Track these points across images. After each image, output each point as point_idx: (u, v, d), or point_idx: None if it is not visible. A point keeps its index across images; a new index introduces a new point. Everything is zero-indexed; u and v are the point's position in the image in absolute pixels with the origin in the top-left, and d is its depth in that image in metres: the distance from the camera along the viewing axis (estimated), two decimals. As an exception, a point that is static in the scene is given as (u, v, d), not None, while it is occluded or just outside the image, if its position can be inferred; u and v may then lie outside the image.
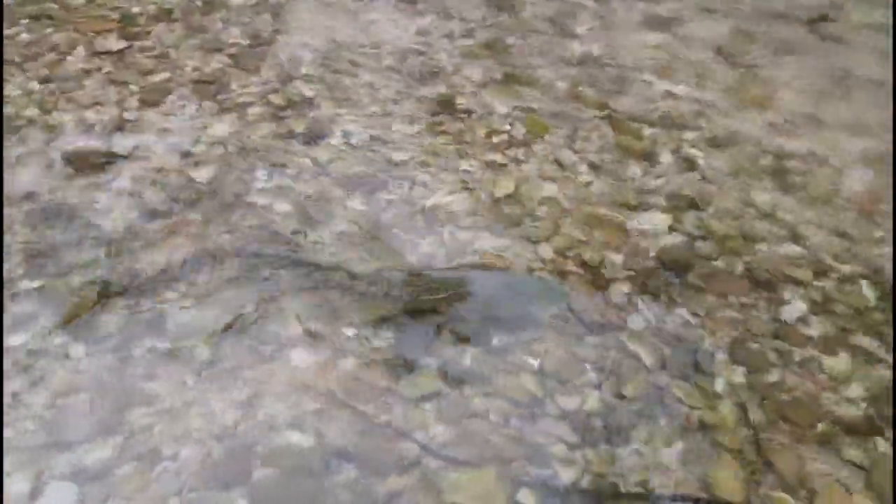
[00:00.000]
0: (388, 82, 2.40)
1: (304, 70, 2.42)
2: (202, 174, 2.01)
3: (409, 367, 1.56)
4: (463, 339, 1.61)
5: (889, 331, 1.60)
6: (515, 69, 2.50)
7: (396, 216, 1.93)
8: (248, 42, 2.55)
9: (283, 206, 1.89)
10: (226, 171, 2.01)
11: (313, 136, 2.14)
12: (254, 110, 2.22)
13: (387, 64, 2.50)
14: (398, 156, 2.11)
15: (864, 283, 1.71)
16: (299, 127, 2.17)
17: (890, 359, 1.54)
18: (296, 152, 2.07)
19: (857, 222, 1.85)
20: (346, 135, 2.16)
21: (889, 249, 1.79)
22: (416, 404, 1.50)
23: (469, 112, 2.29)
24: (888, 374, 1.52)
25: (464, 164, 2.11)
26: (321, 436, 1.42)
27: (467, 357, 1.58)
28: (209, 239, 1.80)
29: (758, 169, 2.05)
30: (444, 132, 2.23)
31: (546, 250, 1.85)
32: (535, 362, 1.58)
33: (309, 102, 2.28)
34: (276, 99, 2.27)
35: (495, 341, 1.63)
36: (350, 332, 1.62)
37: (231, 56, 2.47)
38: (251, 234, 1.82)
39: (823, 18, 2.68)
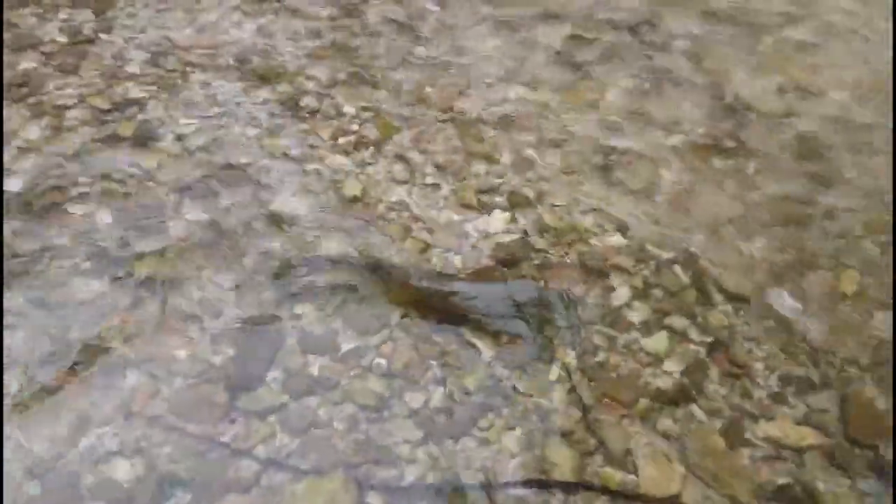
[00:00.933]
0: (228, 83, 2.30)
1: (131, 70, 2.26)
2: (11, 185, 1.82)
3: (251, 380, 1.51)
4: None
5: (700, 309, 1.78)
6: (363, 70, 2.50)
7: (237, 222, 1.86)
8: (66, 40, 2.33)
9: (105, 217, 1.75)
10: (40, 179, 1.83)
11: (142, 141, 2.01)
12: (73, 114, 2.04)
13: (226, 63, 2.39)
14: (239, 159, 2.04)
15: (677, 267, 1.88)
16: (126, 131, 2.02)
17: (698, 336, 1.71)
18: (121, 158, 1.93)
19: (671, 211, 2.03)
20: (179, 138, 2.04)
21: (700, 236, 1.98)
22: (259, 418, 1.45)
23: (315, 113, 2.26)
24: (699, 348, 1.68)
25: (309, 166, 2.08)
26: (152, 463, 1.34)
27: (315, 367, 1.56)
28: (18, 255, 1.64)
29: (588, 166, 2.19)
30: (288, 133, 2.18)
31: (392, 253, 1.86)
32: (383, 363, 1.59)
33: (138, 104, 2.13)
34: (99, 101, 2.10)
35: (344, 347, 1.62)
36: (187, 349, 1.54)
37: (46, 55, 2.25)
38: (70, 249, 1.67)
39: (644, 25, 2.92)
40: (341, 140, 2.17)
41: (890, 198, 2.09)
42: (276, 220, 1.87)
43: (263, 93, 2.29)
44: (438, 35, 2.75)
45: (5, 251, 1.66)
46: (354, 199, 1.98)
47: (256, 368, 1.53)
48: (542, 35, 2.81)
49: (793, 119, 2.43)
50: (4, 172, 1.85)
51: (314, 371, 1.55)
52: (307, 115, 2.24)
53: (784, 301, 1.78)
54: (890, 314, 1.73)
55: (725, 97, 2.55)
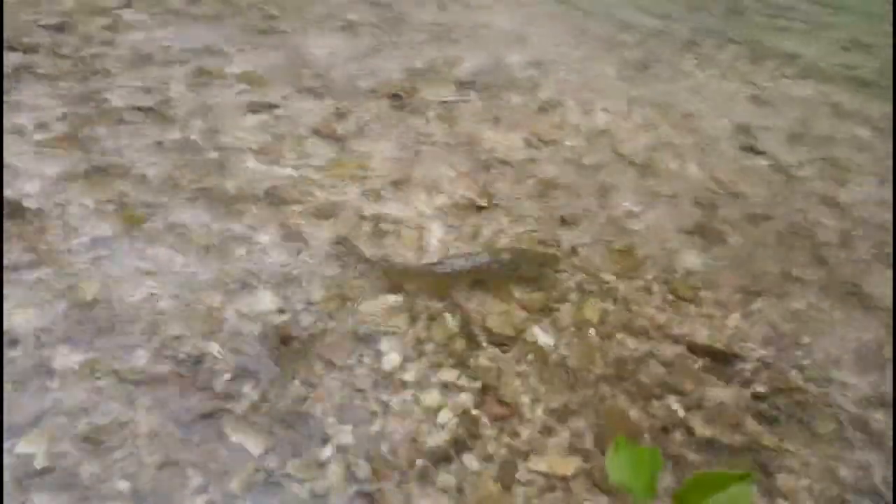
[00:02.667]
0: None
1: None
2: None
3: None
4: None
5: (471, 358, 1.83)
6: (103, 161, 2.31)
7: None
8: None
9: None
10: None
11: None
12: None
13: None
14: (-60, 277, 1.74)
15: (447, 316, 1.93)
16: None
17: (468, 383, 1.75)
18: None
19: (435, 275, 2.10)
20: None
21: (462, 294, 2.07)
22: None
23: (42, 213, 2.02)
24: (470, 395, 1.72)
25: (37, 273, 1.84)
26: None
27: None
28: None
29: (358, 235, 2.20)
30: (9, 240, 1.92)
31: (142, 354, 1.69)
32: (125, 485, 1.40)
33: None
34: None
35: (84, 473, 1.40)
36: None
37: None
38: None
39: (402, 94, 3.10)
40: (75, 240, 1.96)
41: (620, 224, 2.37)
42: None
43: (-25, 198, 2.02)
44: (192, 118, 2.66)
45: None
46: (93, 302, 1.78)
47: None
48: (302, 110, 2.85)
49: (536, 167, 2.69)
50: None
51: (39, 510, 1.32)
52: (33, 217, 2.00)
53: (541, 335, 1.90)
54: (629, 334, 1.92)
55: (478, 156, 2.75)
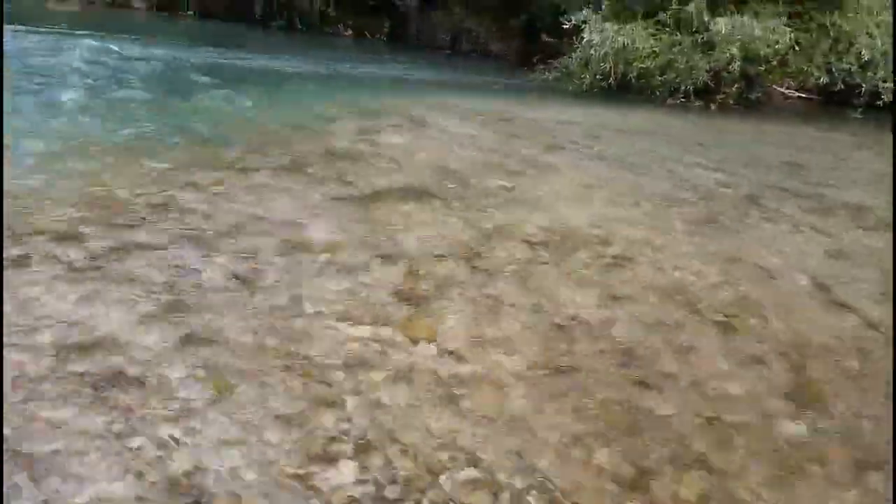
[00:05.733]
0: (39, 359, 2.13)
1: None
2: None
3: None
4: None
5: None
6: (198, 330, 2.44)
7: (34, 528, 1.59)
8: None
9: None
10: None
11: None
12: None
13: (41, 340, 2.24)
14: (43, 447, 1.81)
15: (532, 496, 1.84)
16: None
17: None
18: None
19: (519, 436, 2.04)
20: (-28, 433, 1.80)
21: (550, 457, 1.98)
22: None
23: (142, 381, 2.12)
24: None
25: (132, 443, 1.89)
26: None
27: None
28: None
29: (435, 398, 2.19)
30: (110, 408, 2.00)
31: (227, 531, 1.67)
32: None
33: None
34: None
35: None
36: None
37: None
38: None
39: (474, 257, 3.22)
40: (170, 409, 2.02)
41: (707, 388, 2.28)
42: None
43: (80, 366, 2.13)
44: (280, 285, 2.82)
45: None
46: (184, 475, 1.79)
47: None
48: (381, 275, 2.98)
49: (614, 327, 2.67)
50: None
51: None
52: (132, 386, 2.09)
53: (638, 516, 1.77)
54: (734, 513, 1.77)
55: (553, 315, 2.76)
